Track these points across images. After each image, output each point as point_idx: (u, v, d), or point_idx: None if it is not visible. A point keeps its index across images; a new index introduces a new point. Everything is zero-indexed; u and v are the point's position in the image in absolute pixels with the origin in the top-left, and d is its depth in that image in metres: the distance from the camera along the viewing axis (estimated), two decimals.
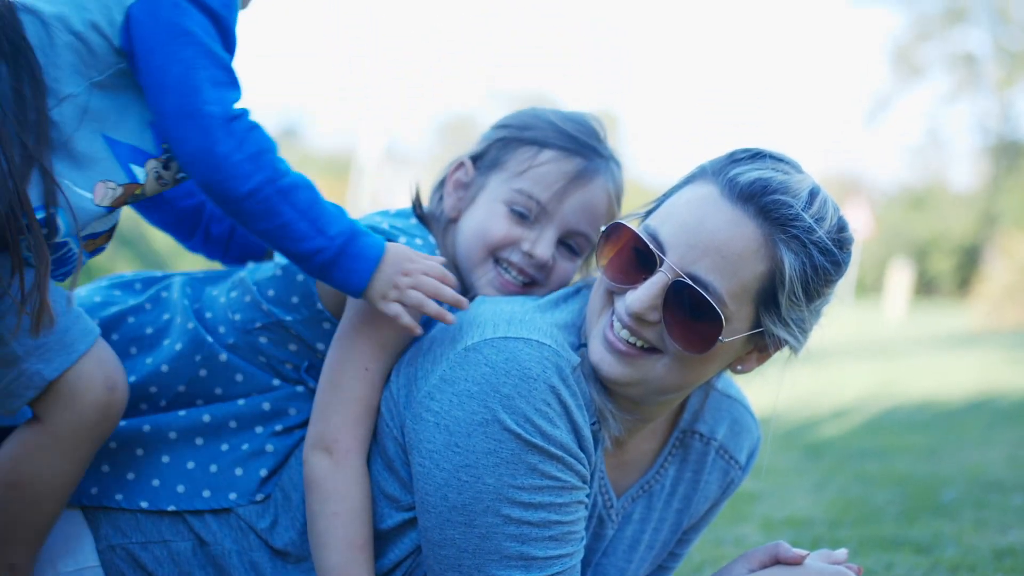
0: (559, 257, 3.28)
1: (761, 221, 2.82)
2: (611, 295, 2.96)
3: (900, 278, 36.68)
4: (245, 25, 2.93)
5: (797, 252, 2.83)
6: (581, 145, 3.26)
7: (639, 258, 2.90)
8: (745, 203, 2.83)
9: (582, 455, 2.86)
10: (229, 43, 2.85)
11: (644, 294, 2.85)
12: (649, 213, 3.02)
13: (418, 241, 3.19)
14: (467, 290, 3.25)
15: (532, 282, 3.26)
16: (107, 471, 3.11)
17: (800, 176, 2.90)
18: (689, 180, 2.98)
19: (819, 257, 2.86)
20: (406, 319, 2.90)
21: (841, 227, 2.91)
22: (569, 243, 3.28)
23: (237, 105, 2.77)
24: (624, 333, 2.89)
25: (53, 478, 2.96)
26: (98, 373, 2.92)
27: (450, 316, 2.93)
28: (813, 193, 2.88)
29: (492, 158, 3.30)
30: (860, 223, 30.57)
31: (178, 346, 3.19)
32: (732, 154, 2.97)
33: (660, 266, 2.85)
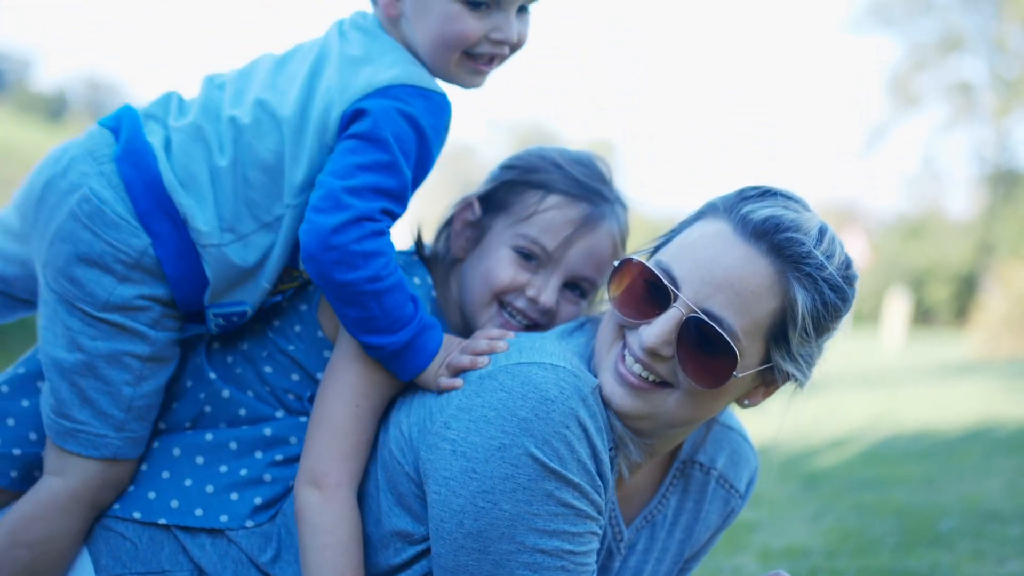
0: (563, 301, 3.31)
1: (774, 258, 2.86)
2: (622, 329, 2.98)
3: (897, 307, 36.69)
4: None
5: (808, 289, 2.87)
6: (587, 189, 3.30)
7: (652, 293, 2.92)
8: (758, 240, 2.86)
9: (599, 481, 2.86)
10: (422, 164, 3.05)
11: (659, 329, 2.87)
12: (658, 248, 3.05)
13: (416, 280, 3.24)
14: (470, 331, 3.28)
15: (535, 325, 3.29)
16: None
17: (809, 214, 2.94)
18: (699, 216, 3.01)
19: (829, 293, 2.90)
20: (447, 384, 2.97)
21: (848, 264, 2.96)
22: (575, 287, 3.31)
23: (383, 212, 2.95)
24: (637, 367, 2.91)
25: (65, 537, 3.09)
26: None
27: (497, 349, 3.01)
28: (822, 231, 2.92)
29: (499, 200, 3.33)
30: (857, 252, 30.61)
31: (188, 383, 3.24)
32: (742, 191, 3.01)
33: (674, 302, 2.87)
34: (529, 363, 2.86)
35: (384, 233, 2.95)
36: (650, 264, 2.95)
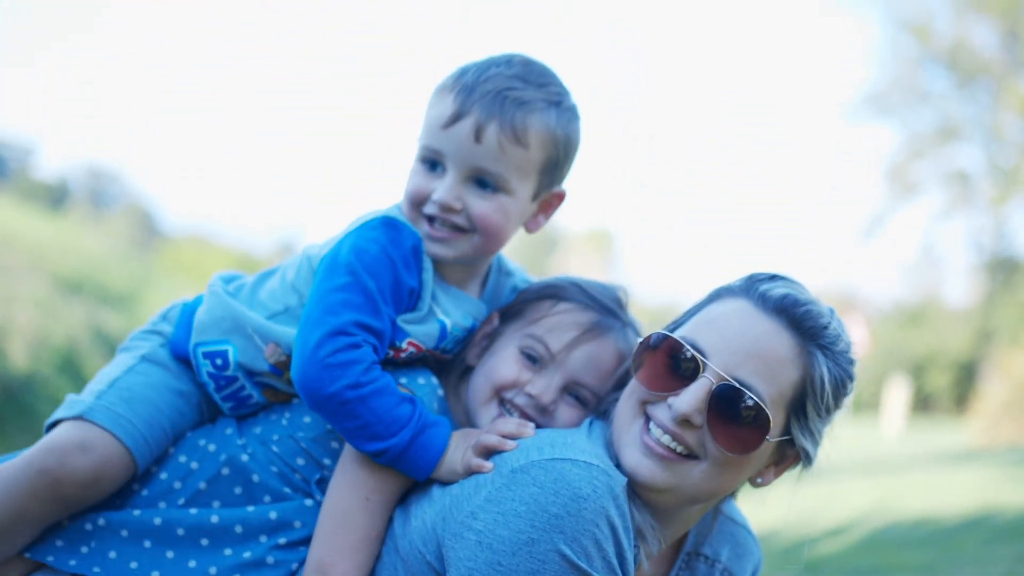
0: (563, 404, 3.33)
1: (794, 332, 2.97)
2: (643, 405, 3.03)
3: (897, 395, 36.56)
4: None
5: (828, 361, 2.99)
6: (598, 303, 3.38)
7: (679, 366, 2.99)
8: (779, 314, 2.97)
9: None
10: (399, 291, 3.20)
11: (691, 397, 2.93)
12: (674, 329, 3.11)
13: (420, 380, 3.30)
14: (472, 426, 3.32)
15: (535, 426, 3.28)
16: (114, 557, 3.19)
17: (815, 295, 3.07)
18: (714, 298, 3.11)
19: (844, 366, 3.03)
20: (477, 465, 3.01)
21: (851, 342, 3.09)
22: (575, 393, 3.33)
23: (356, 326, 3.08)
24: (666, 438, 2.96)
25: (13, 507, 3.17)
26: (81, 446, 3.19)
27: (527, 429, 3.06)
28: (832, 311, 3.06)
29: (516, 310, 3.42)
30: (856, 340, 30.55)
31: (211, 447, 3.32)
32: (752, 276, 3.12)
33: (703, 371, 2.94)
34: (563, 459, 2.87)
35: (360, 345, 3.06)
36: (676, 336, 3.01)
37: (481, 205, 3.21)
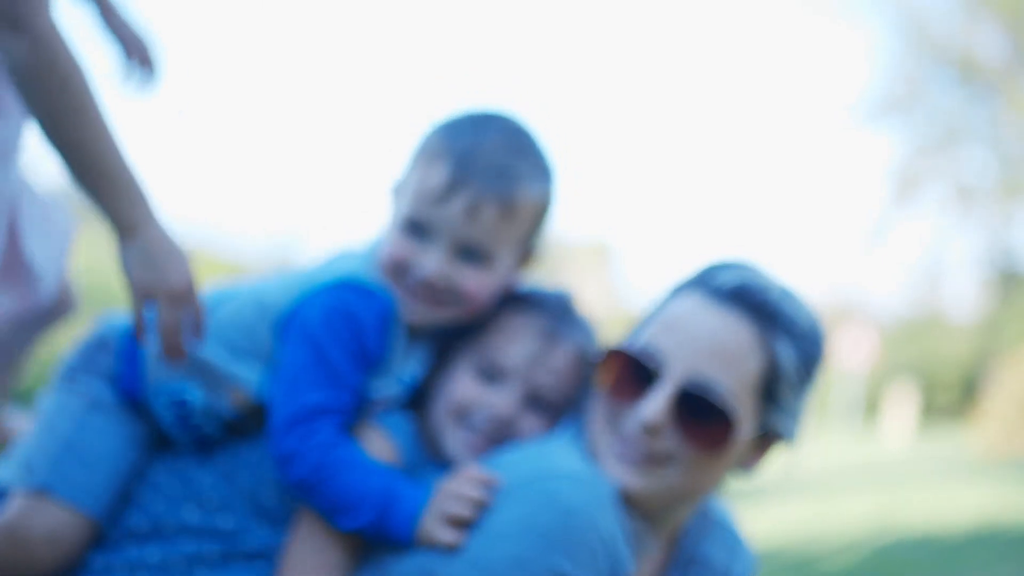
0: (528, 415, 3.23)
1: (752, 320, 2.95)
2: (612, 415, 3.01)
3: (902, 407, 36.58)
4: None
5: (790, 342, 2.97)
6: (547, 310, 3.30)
7: (638, 374, 2.97)
8: (734, 304, 2.96)
9: None
10: (366, 359, 3.13)
11: (653, 404, 2.90)
12: (638, 333, 3.10)
13: (395, 418, 3.25)
14: (439, 455, 3.25)
15: (499, 442, 3.22)
16: None
17: (769, 276, 3.06)
18: (672, 296, 3.10)
19: (808, 344, 3.01)
20: (445, 539, 2.90)
21: (814, 315, 3.06)
22: (537, 403, 3.24)
23: (318, 410, 3.03)
24: (638, 446, 2.93)
25: None
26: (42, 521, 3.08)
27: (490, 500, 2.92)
28: (787, 291, 3.04)
29: (464, 330, 3.31)
30: (862, 351, 30.56)
31: (161, 478, 3.24)
32: (705, 268, 3.12)
33: (662, 376, 2.93)
34: (550, 477, 2.86)
35: (319, 430, 3.02)
36: (629, 347, 3.00)
37: (470, 278, 3.15)
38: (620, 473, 2.94)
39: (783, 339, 2.96)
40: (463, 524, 2.88)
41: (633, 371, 2.98)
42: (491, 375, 3.24)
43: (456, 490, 2.92)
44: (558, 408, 3.26)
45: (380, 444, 3.14)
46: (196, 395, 3.20)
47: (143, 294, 2.74)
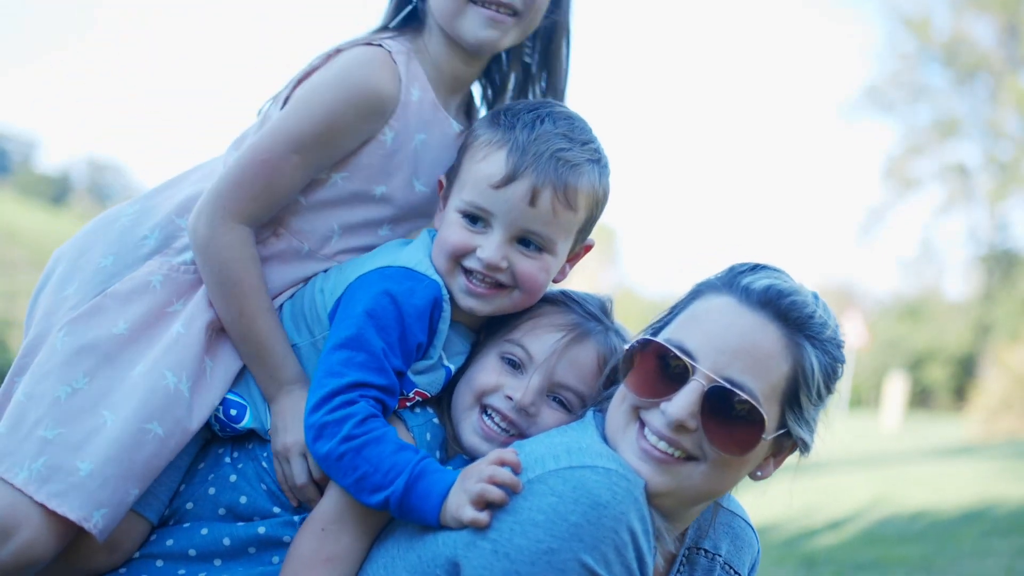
0: (547, 407, 3.27)
1: (781, 323, 2.94)
2: (636, 411, 3.00)
3: (895, 389, 36.59)
4: None
5: (816, 350, 2.96)
6: (580, 308, 3.34)
7: (667, 369, 2.96)
8: (764, 308, 2.95)
9: None
10: (407, 346, 3.16)
11: (683, 401, 2.90)
12: (659, 330, 3.09)
13: (416, 411, 3.29)
14: (457, 441, 3.30)
15: (516, 432, 3.26)
16: (124, 573, 3.21)
17: (799, 283, 3.05)
18: (696, 295, 3.08)
19: (833, 353, 3.00)
20: (470, 518, 2.87)
21: (838, 326, 3.06)
22: (557, 396, 3.28)
23: (356, 386, 3.05)
24: (662, 444, 2.93)
25: None
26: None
27: (519, 485, 2.87)
28: (816, 296, 3.03)
29: (496, 318, 3.35)
30: (855, 335, 30.59)
31: (200, 465, 3.33)
32: (733, 268, 3.10)
33: (693, 374, 2.91)
34: (581, 467, 2.85)
35: (355, 401, 3.04)
36: (660, 341, 2.99)
37: (527, 264, 3.20)
38: (640, 469, 2.93)
39: (810, 346, 2.95)
40: (490, 505, 2.86)
41: (661, 367, 2.97)
42: (515, 363, 3.28)
43: (485, 472, 2.90)
44: (576, 404, 3.29)
45: (401, 436, 3.13)
46: (251, 406, 3.36)
47: (273, 448, 3.27)
